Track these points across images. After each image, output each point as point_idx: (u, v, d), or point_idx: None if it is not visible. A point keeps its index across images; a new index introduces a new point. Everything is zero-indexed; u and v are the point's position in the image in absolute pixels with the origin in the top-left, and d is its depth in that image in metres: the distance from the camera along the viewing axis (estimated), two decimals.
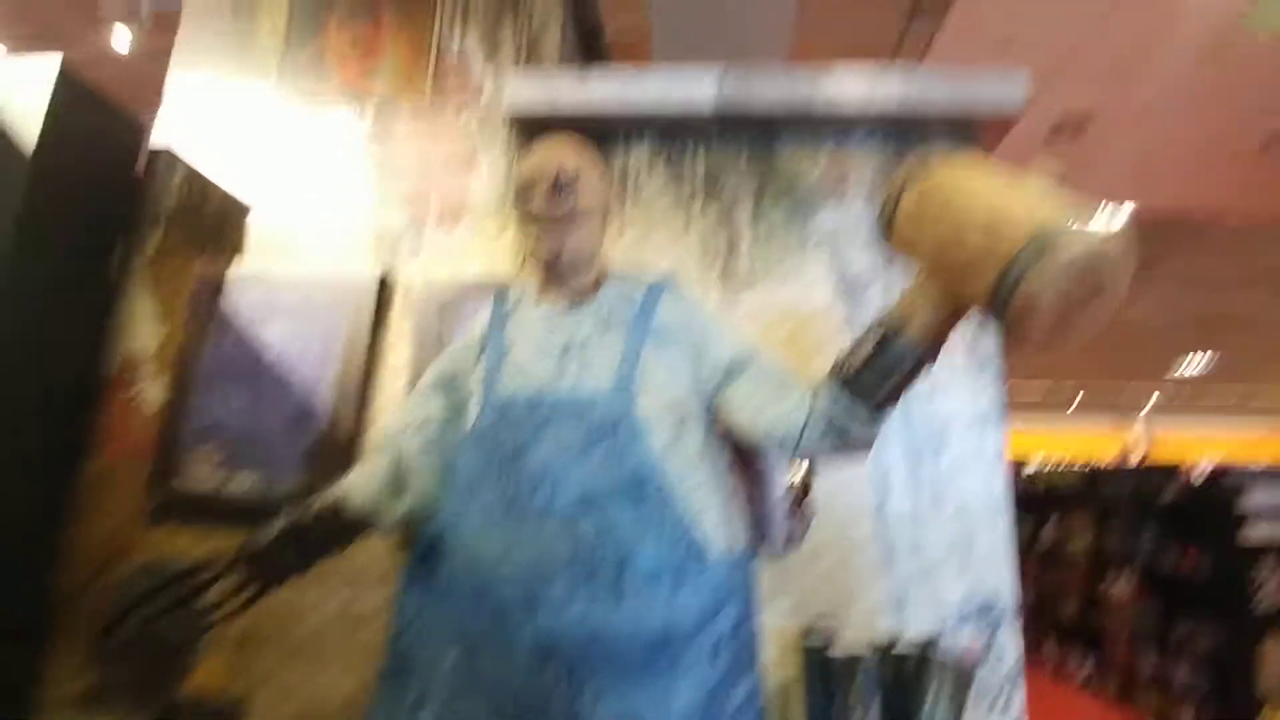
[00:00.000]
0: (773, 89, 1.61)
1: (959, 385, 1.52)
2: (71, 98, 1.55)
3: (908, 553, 1.44)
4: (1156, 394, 10.87)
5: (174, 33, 1.99)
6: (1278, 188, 3.91)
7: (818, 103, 1.59)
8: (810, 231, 1.62)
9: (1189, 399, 11.06)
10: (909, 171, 0.87)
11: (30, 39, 3.68)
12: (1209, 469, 3.76)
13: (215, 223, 1.78)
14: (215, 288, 1.70)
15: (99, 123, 1.67)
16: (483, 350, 1.11)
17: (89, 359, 1.69)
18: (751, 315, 1.58)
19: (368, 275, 1.66)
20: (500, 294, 1.17)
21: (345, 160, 1.80)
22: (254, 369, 1.64)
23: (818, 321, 1.56)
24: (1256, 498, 3.28)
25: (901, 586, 1.43)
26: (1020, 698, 1.37)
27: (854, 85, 1.60)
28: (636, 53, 2.76)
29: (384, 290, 1.67)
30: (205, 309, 1.69)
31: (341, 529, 1.07)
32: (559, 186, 1.04)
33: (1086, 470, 4.99)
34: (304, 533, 1.05)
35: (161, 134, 1.86)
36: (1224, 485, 3.42)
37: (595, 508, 0.92)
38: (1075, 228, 0.71)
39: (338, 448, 1.56)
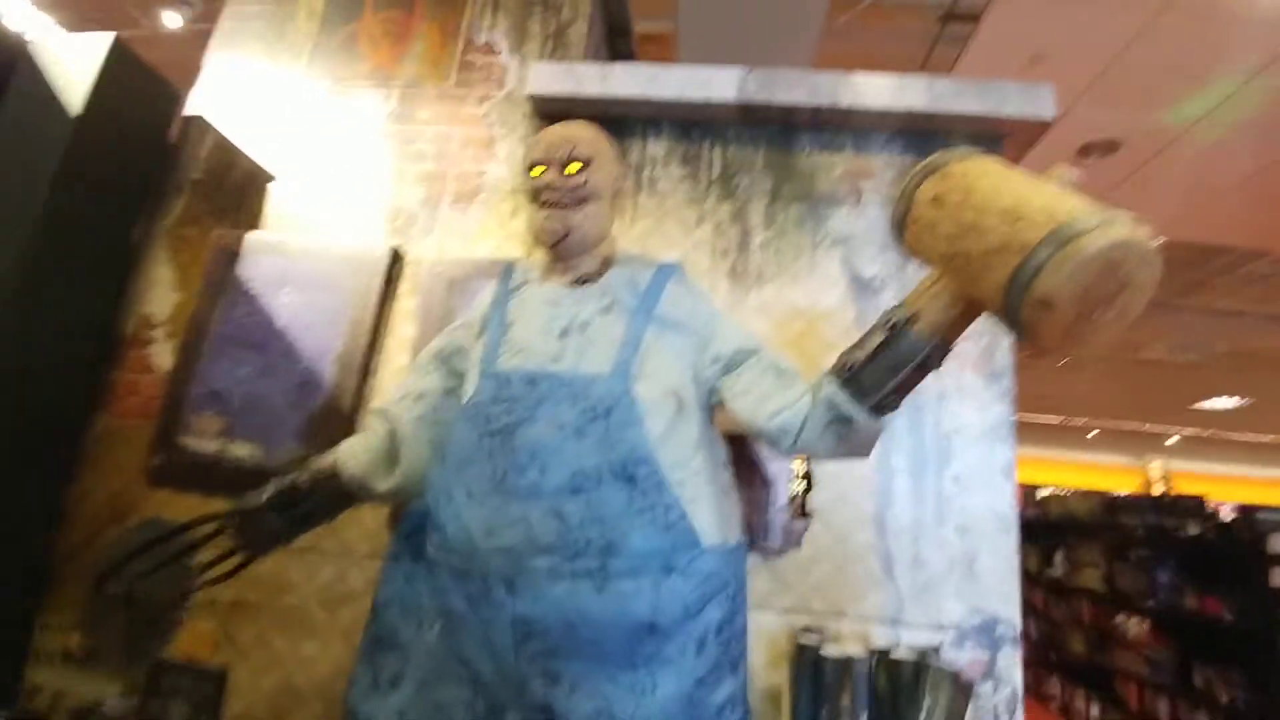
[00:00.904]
0: (795, 89, 1.60)
1: (968, 397, 1.48)
2: (119, 68, 1.61)
3: (908, 564, 1.40)
4: (1177, 437, 10.59)
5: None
6: None
7: (839, 104, 1.58)
8: (824, 232, 1.60)
9: (1213, 438, 10.76)
10: (929, 163, 0.85)
11: (90, 22, 3.81)
12: (1237, 506, 3.60)
13: (238, 191, 1.81)
14: (231, 255, 1.72)
15: (142, 91, 1.71)
16: (484, 326, 1.10)
17: (109, 317, 1.72)
18: (761, 312, 1.56)
19: (380, 248, 1.67)
20: (506, 271, 1.16)
21: (367, 139, 1.82)
22: (262, 337, 1.65)
23: (828, 322, 1.54)
24: None
25: (899, 598, 1.39)
26: None
27: (877, 90, 1.58)
28: (662, 55, 2.77)
29: (395, 264, 1.68)
30: (220, 275, 1.71)
31: (333, 496, 1.08)
32: (570, 164, 1.03)
33: (1104, 498, 4.83)
34: (295, 498, 1.06)
35: (196, 107, 1.90)
36: (1254, 524, 3.26)
37: (584, 489, 0.90)
38: (1101, 220, 0.68)
39: (338, 419, 1.56)
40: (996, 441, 1.46)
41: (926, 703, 1.00)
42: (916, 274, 1.55)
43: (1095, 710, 4.03)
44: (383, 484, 1.08)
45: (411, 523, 1.09)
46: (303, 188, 1.80)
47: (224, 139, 1.85)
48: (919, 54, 2.87)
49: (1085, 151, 3.32)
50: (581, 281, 1.07)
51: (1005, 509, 1.42)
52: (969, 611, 1.38)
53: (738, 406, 0.99)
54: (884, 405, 0.86)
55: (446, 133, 1.80)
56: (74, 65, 1.56)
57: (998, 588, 1.39)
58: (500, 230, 1.69)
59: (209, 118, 1.86)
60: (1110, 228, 0.67)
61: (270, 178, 1.81)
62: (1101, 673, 4.03)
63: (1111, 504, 4.66)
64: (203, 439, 1.60)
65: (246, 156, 1.84)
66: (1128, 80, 2.74)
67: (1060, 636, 4.74)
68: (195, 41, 2.20)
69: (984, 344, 1.51)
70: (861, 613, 1.38)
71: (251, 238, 1.73)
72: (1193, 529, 3.68)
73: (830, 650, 1.06)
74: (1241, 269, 5.05)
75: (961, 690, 1.02)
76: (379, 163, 1.79)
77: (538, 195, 1.05)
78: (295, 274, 1.69)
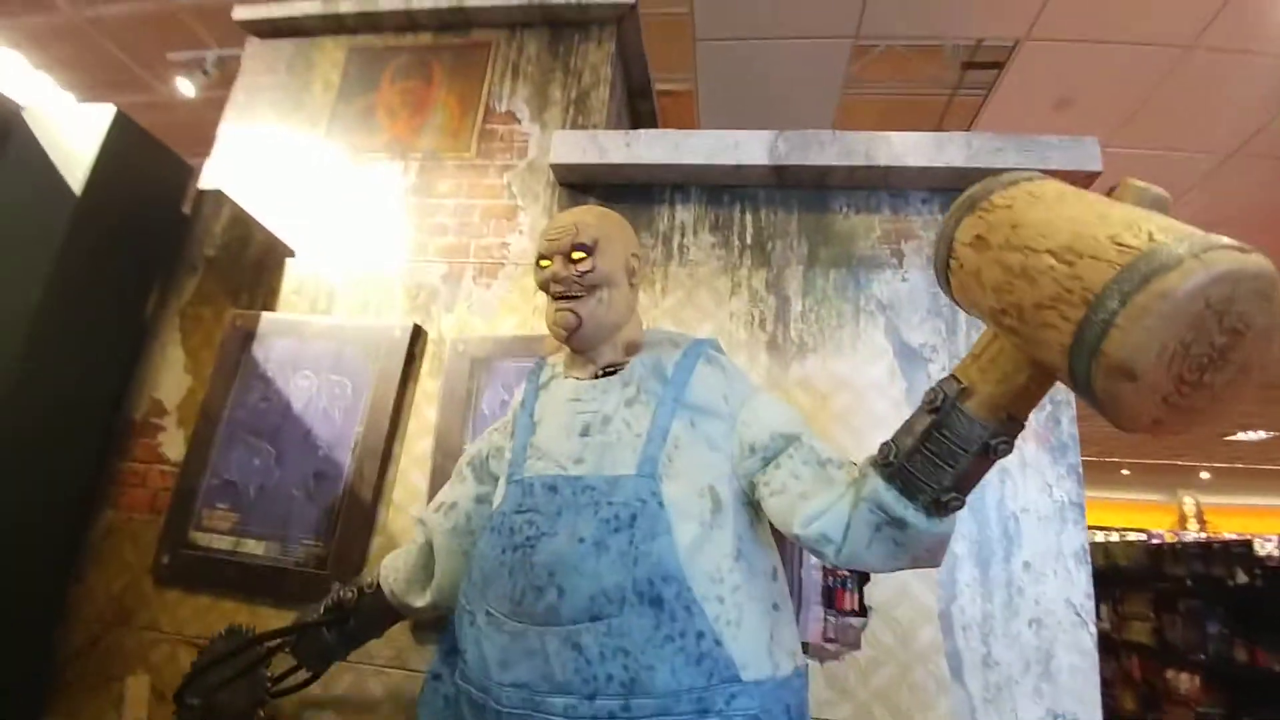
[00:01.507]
0: (828, 149, 1.54)
1: (1033, 474, 1.38)
2: (124, 142, 1.57)
3: (978, 665, 1.28)
4: (1208, 474, 10.30)
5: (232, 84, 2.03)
6: None
7: (876, 163, 1.52)
8: (867, 298, 1.52)
9: (1245, 470, 10.44)
10: (970, 194, 0.68)
11: (102, 87, 3.88)
12: None
13: (254, 267, 1.76)
14: (247, 336, 1.66)
15: (150, 165, 1.68)
16: (514, 428, 1.03)
17: (117, 402, 1.66)
18: (803, 386, 1.47)
19: (400, 326, 1.60)
20: (536, 368, 1.09)
21: (386, 212, 1.77)
22: (277, 423, 1.58)
23: (877, 394, 1.44)
24: None
25: (971, 704, 1.26)
26: None
27: (914, 146, 1.52)
28: (681, 112, 2.76)
29: (416, 342, 1.61)
30: (234, 358, 1.64)
31: (379, 611, 1.08)
32: (574, 253, 0.96)
33: (1147, 547, 4.62)
34: (344, 614, 1.07)
35: (210, 179, 1.87)
36: None
37: (605, 614, 0.79)
38: (1191, 246, 0.49)
39: (357, 512, 1.47)
40: (1068, 523, 1.34)
41: None
42: (970, 339, 1.46)
43: None
44: (419, 600, 1.04)
45: (451, 639, 1.00)
46: (321, 263, 1.75)
47: (241, 212, 1.81)
48: (939, 101, 2.84)
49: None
50: (605, 373, 0.99)
51: (1081, 598, 1.30)
52: (1045, 715, 1.25)
53: (772, 507, 0.86)
54: (944, 504, 0.70)
55: (467, 205, 1.75)
56: (74, 136, 1.52)
57: (1077, 687, 1.26)
58: (525, 305, 1.63)
59: (224, 189, 1.83)
60: (1207, 257, 0.48)
61: (289, 252, 1.77)
62: None
63: (1156, 552, 4.46)
64: (213, 535, 1.51)
65: (265, 230, 1.79)
66: (1157, 121, 2.69)
67: (1111, 694, 4.48)
68: (210, 106, 2.19)
69: (1047, 412, 1.41)
70: None
71: (268, 318, 1.67)
72: (1242, 577, 3.49)
73: None
74: None
75: None
76: (399, 236, 1.74)
77: (547, 288, 0.99)
78: (311, 355, 1.62)
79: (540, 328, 1.59)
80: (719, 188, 1.64)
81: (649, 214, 1.65)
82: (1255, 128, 2.75)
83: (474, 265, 1.68)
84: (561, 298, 0.97)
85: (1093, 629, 1.28)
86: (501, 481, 0.99)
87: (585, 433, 0.92)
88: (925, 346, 1.48)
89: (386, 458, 1.52)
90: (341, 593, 1.08)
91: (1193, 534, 9.78)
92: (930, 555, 0.77)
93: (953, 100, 2.86)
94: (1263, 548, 3.64)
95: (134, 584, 1.53)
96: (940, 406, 0.69)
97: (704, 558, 0.83)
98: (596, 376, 0.99)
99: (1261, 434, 9.00)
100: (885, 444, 0.75)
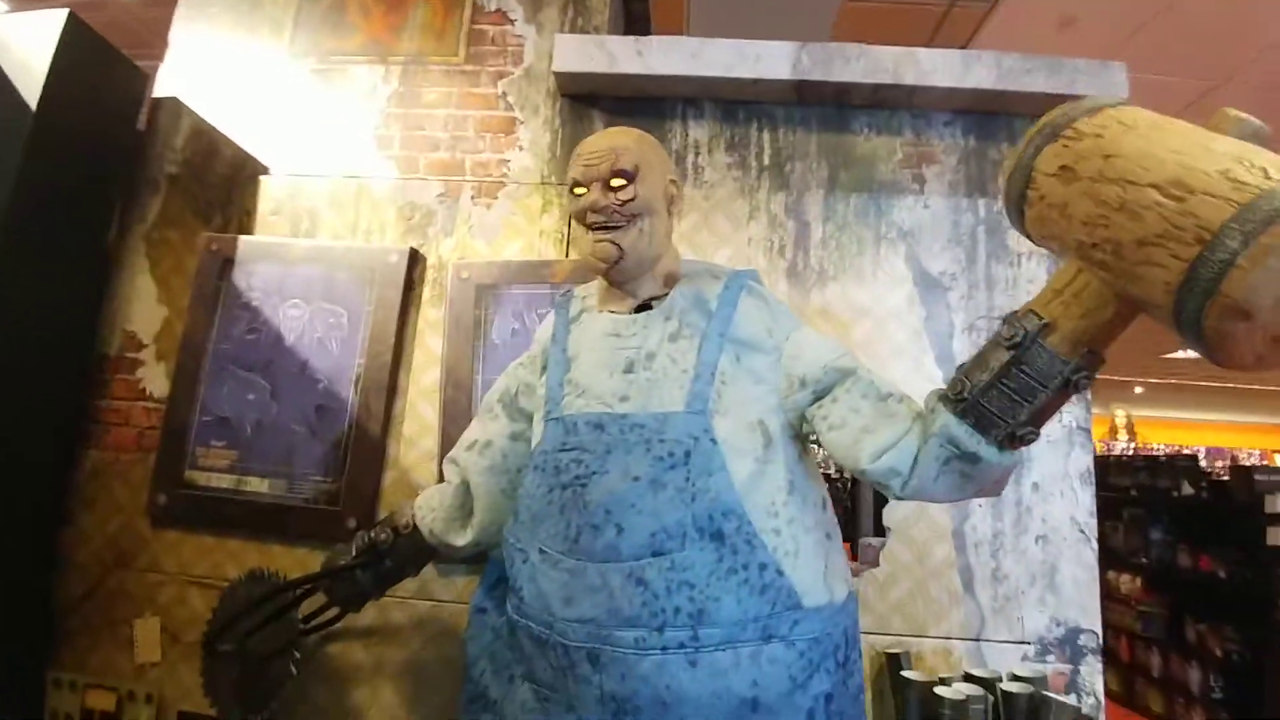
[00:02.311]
0: (853, 65, 1.45)
1: None
2: (79, 49, 1.39)
3: (988, 579, 1.34)
4: (1140, 389, 10.96)
5: None
6: None
7: (903, 82, 1.44)
8: (888, 225, 1.48)
9: (1177, 386, 11.19)
10: (1050, 119, 0.67)
11: None
12: (1231, 466, 3.70)
13: (224, 186, 1.60)
14: (224, 261, 1.52)
15: (104, 74, 1.49)
16: (545, 365, 0.99)
17: (86, 336, 1.53)
18: (824, 315, 1.44)
19: (396, 250, 1.49)
20: (563, 301, 1.04)
21: (367, 125, 1.61)
22: (269, 357, 1.48)
23: (897, 322, 1.43)
24: None
25: (981, 614, 1.33)
26: None
27: (943, 65, 1.45)
28: (670, 25, 2.56)
29: (414, 268, 1.51)
30: (213, 286, 1.51)
31: (415, 551, 1.06)
32: (614, 179, 0.90)
33: (1094, 459, 4.96)
34: (379, 555, 1.05)
35: (166, 86, 1.66)
36: (1251, 484, 3.34)
37: (667, 550, 0.80)
38: None
39: (367, 447, 1.41)
40: (1075, 446, 1.39)
41: None
42: (990, 269, 1.46)
43: None
44: (460, 539, 1.02)
45: (494, 574, 1.03)
46: (299, 182, 1.60)
47: (203, 124, 1.63)
48: (936, 12, 2.71)
49: None
50: (644, 306, 0.96)
51: (1085, 516, 1.37)
52: (1050, 624, 1.34)
53: (832, 441, 0.86)
54: (1020, 438, 0.71)
55: (459, 116, 1.60)
56: (26, 45, 1.33)
57: (1079, 598, 1.35)
58: (530, 228, 1.53)
59: (181, 99, 1.64)
60: None
61: (262, 169, 1.61)
62: None
63: (1102, 463, 4.78)
64: (211, 474, 1.44)
65: (231, 144, 1.62)
66: (1153, 46, 2.64)
67: None
68: (157, 12, 1.93)
69: None
70: (942, 631, 1.32)
71: (246, 242, 1.53)
72: (1187, 489, 3.78)
73: (945, 691, 0.99)
74: None
75: None
76: (384, 152, 1.60)
77: (583, 218, 0.93)
78: (299, 282, 1.50)
79: (549, 252, 1.51)
80: (734, 103, 1.54)
81: (660, 130, 1.54)
82: (1249, 58, 2.74)
83: (472, 184, 1.56)
84: (600, 228, 0.91)
85: (1094, 545, 1.36)
86: (538, 418, 0.96)
87: (629, 369, 0.90)
88: (945, 275, 1.46)
89: (392, 391, 1.46)
90: (375, 534, 1.06)
91: (1122, 444, 10.51)
92: (996, 486, 0.78)
93: (950, 11, 2.74)
94: (1211, 464, 3.92)
95: (129, 525, 1.46)
96: (1021, 343, 0.68)
97: (759, 492, 0.84)
98: (636, 311, 0.95)
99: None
100: (957, 379, 0.74)
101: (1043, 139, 0.66)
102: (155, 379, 1.52)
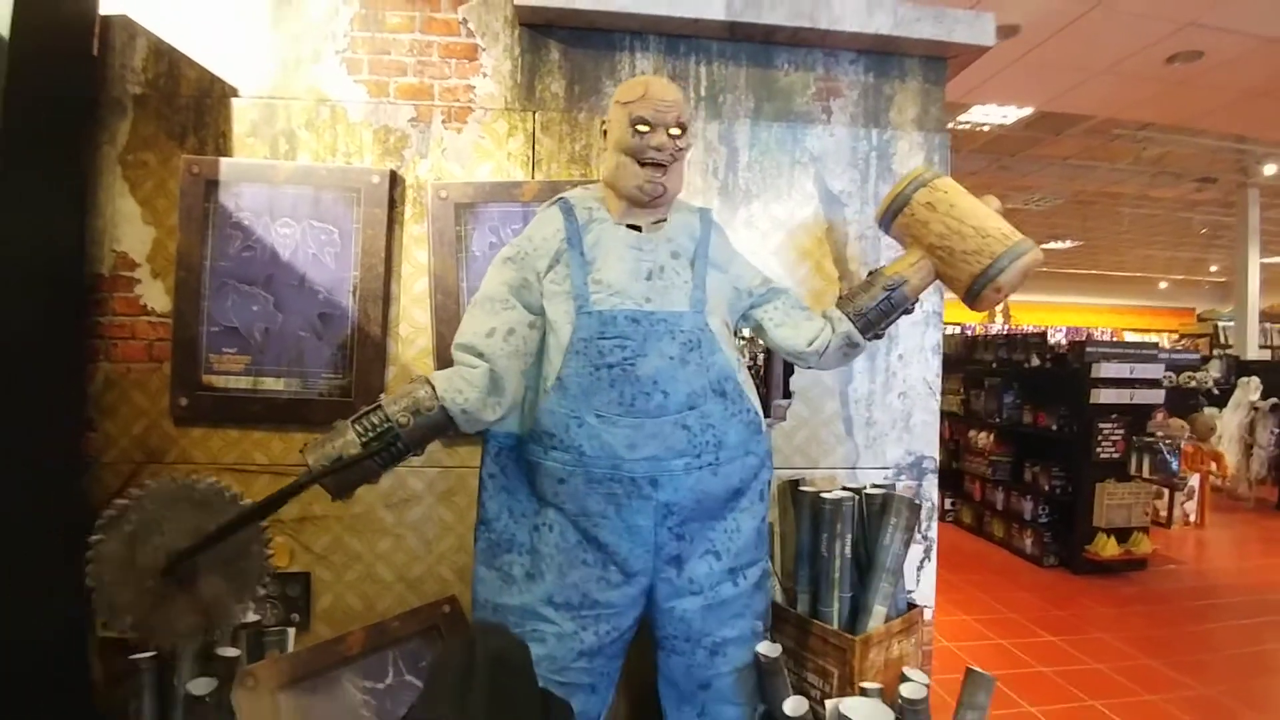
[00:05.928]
0: (778, 8, 1.69)
1: None
2: None
3: (863, 425, 1.82)
4: None
5: None
6: (1179, 96, 4.46)
7: (818, 25, 1.70)
8: (801, 151, 1.80)
9: (1049, 274, 12.60)
10: (918, 176, 1.34)
11: None
12: (1069, 341, 4.48)
13: (194, 108, 1.67)
14: (207, 183, 1.64)
15: None
16: (556, 261, 1.23)
17: (76, 255, 1.62)
18: (748, 226, 1.78)
19: (378, 172, 1.67)
20: (567, 208, 1.27)
21: (333, 48, 1.70)
22: (267, 272, 1.65)
23: (804, 233, 1.79)
24: (1105, 369, 4.04)
25: (857, 450, 1.81)
26: (935, 526, 1.85)
27: (851, 11, 1.71)
28: None
29: (394, 188, 1.68)
30: (200, 207, 1.64)
31: (430, 429, 1.16)
32: (676, 128, 1.20)
33: (966, 337, 5.76)
34: (393, 438, 1.12)
35: (114, 3, 1.65)
36: (1083, 354, 4.14)
37: (698, 405, 1.20)
38: (1030, 245, 1.24)
39: (371, 347, 1.66)
40: (929, 327, 1.85)
41: (892, 521, 1.42)
42: (878, 188, 1.81)
43: (947, 503, 5.14)
44: (492, 414, 1.19)
45: (498, 444, 1.29)
46: (273, 104, 1.70)
47: (161, 43, 1.66)
48: None
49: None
50: (654, 227, 1.28)
51: (932, 377, 1.85)
52: (904, 454, 1.84)
53: (778, 334, 1.33)
54: (879, 335, 1.32)
55: (424, 42, 1.72)
56: None
57: (925, 435, 1.85)
58: (498, 151, 1.73)
59: (131, 16, 1.65)
60: (1035, 250, 1.24)
61: (232, 91, 1.68)
62: (956, 475, 5.10)
63: (971, 341, 5.60)
64: (229, 377, 1.65)
65: (195, 65, 1.67)
66: None
67: None
68: None
69: None
70: (830, 463, 1.80)
71: (228, 164, 1.65)
72: (1035, 360, 4.57)
73: (827, 495, 1.44)
74: (1097, 133, 5.77)
75: (913, 510, 1.45)
76: (354, 76, 1.71)
77: (642, 153, 1.19)
78: (287, 202, 1.65)
79: (516, 173, 1.73)
80: (676, 38, 1.76)
81: (610, 61, 1.75)
82: None
83: (441, 109, 1.72)
84: (653, 165, 1.20)
85: (938, 396, 1.85)
86: (563, 310, 1.19)
87: (650, 277, 1.22)
88: (844, 193, 1.81)
89: (387, 299, 1.69)
90: (397, 419, 1.11)
91: (998, 326, 11.84)
92: (854, 358, 1.36)
93: None
94: (1053, 338, 4.72)
95: (154, 426, 1.65)
96: (893, 288, 1.26)
97: (737, 363, 1.27)
98: (649, 230, 1.26)
99: (1068, 243, 10.81)
100: (847, 301, 1.30)
101: (918, 184, 1.33)
102: (155, 296, 1.66)
